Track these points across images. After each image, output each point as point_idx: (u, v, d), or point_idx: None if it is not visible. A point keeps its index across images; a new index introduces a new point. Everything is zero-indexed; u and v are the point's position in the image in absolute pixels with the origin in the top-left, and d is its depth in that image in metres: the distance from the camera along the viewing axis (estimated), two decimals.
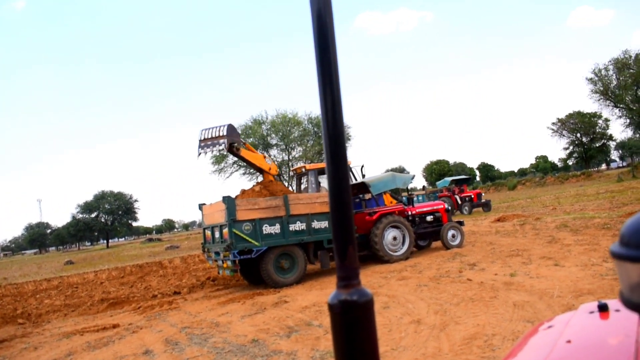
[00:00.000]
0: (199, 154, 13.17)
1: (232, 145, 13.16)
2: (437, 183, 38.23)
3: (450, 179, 36.48)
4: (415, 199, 34.02)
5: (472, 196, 33.48)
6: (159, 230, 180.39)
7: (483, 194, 35.17)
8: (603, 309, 1.33)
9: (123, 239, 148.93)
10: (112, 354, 7.76)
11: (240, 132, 47.27)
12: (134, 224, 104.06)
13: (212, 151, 13.08)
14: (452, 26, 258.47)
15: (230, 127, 13.03)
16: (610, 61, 60.20)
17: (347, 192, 0.98)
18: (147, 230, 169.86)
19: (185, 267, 19.20)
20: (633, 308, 0.70)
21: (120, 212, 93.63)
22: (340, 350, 0.96)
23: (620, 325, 1.15)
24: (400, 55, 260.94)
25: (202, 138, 13.19)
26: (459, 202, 33.27)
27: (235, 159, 48.28)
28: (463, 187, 34.82)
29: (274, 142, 48.85)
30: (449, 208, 15.69)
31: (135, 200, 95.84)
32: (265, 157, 14.61)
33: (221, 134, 12.89)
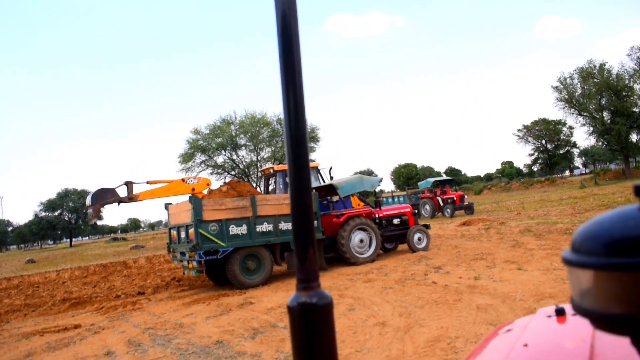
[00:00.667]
0: (89, 219, 13.42)
1: (117, 201, 13.39)
2: (420, 183, 36.97)
3: (432, 179, 35.33)
4: (396, 200, 34.05)
5: (455, 198, 32.21)
6: (124, 229, 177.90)
7: (466, 197, 33.86)
8: (560, 313, 1.35)
9: (87, 238, 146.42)
10: (73, 355, 7.61)
11: (208, 132, 47.11)
12: (99, 222, 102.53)
13: (93, 219, 13.32)
14: (421, 31, 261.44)
15: (96, 195, 13.10)
16: (575, 70, 61.64)
17: (308, 194, 0.98)
18: (111, 230, 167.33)
19: (150, 267, 18.96)
20: (583, 314, 0.71)
21: (84, 211, 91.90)
22: (299, 353, 0.95)
23: (576, 329, 1.17)
24: (370, 58, 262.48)
25: (86, 205, 13.55)
26: (441, 203, 32.28)
27: (204, 158, 48.06)
28: (445, 189, 33.57)
29: (242, 142, 48.66)
30: (416, 212, 15.77)
31: None
32: (184, 180, 14.41)
33: (88, 204, 13.16)
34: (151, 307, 11.12)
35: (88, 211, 13.20)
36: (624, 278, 0.64)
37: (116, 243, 60.65)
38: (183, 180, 14.26)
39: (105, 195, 13.10)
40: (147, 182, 14.42)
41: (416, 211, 15.90)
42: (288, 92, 0.98)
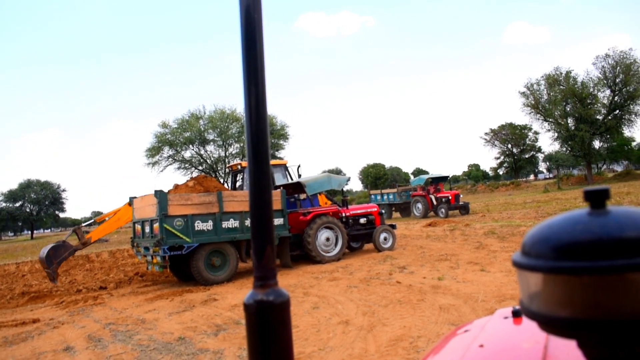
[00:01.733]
0: (50, 280, 13.07)
1: (73, 252, 13.30)
2: (412, 181, 33.93)
3: (426, 176, 32.15)
4: (385, 197, 33.63)
5: (450, 197, 29.25)
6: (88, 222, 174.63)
7: (461, 196, 31.10)
8: (517, 314, 1.37)
9: (49, 230, 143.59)
10: (31, 349, 7.45)
11: (176, 126, 46.70)
12: (61, 215, 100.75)
13: (55, 280, 13.01)
14: (392, 33, 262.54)
15: (49, 255, 12.82)
16: (542, 77, 62.71)
17: (268, 191, 0.97)
18: (75, 222, 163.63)
19: (114, 262, 18.70)
20: (532, 317, 0.71)
21: (46, 202, 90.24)
22: (255, 351, 0.95)
23: (531, 330, 1.19)
24: (341, 58, 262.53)
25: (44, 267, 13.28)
26: (434, 202, 29.55)
27: (171, 153, 47.65)
28: (439, 187, 30.65)
29: (210, 137, 48.40)
30: (382, 212, 15.85)
31: (63, 190, 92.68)
32: (128, 205, 14.05)
33: (44, 266, 12.96)
34: (113, 302, 10.96)
35: (46, 271, 12.93)
36: (571, 281, 0.65)
37: None
38: (129, 204, 14.01)
39: (59, 253, 12.92)
40: (95, 221, 14.39)
41: (383, 211, 15.93)
42: (250, 87, 0.97)
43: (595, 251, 0.64)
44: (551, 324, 0.68)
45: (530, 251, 0.71)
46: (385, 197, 33.63)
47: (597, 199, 0.69)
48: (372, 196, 35.10)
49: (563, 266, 0.65)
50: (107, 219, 14.31)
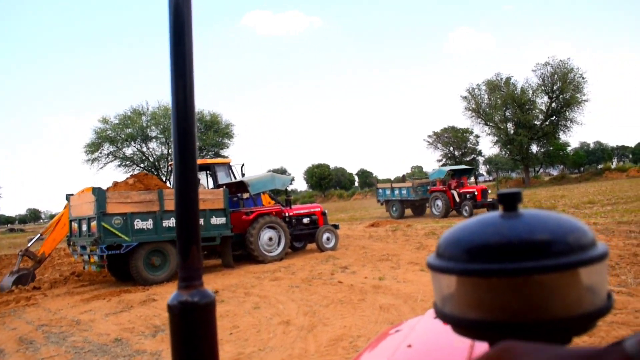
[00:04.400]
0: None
1: (34, 273, 12.96)
2: (430, 173, 28.59)
3: (447, 168, 27.71)
4: (396, 192, 28.57)
5: (476, 193, 24.55)
6: (23, 220, 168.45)
7: (489, 191, 25.39)
8: None
9: None
10: None
11: (117, 122, 45.64)
12: None
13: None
14: (340, 33, 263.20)
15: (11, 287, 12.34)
16: (483, 82, 64.44)
17: (194, 189, 0.96)
18: (8, 220, 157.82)
19: (49, 261, 18.02)
20: (445, 319, 0.72)
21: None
22: (178, 353, 0.93)
23: None
24: (288, 57, 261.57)
25: None
26: (457, 199, 25.00)
27: (111, 149, 46.52)
28: (463, 181, 25.97)
29: (153, 134, 47.48)
30: (325, 212, 15.88)
31: None
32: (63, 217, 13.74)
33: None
34: (47, 303, 10.60)
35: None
36: (480, 284, 0.66)
37: (13, 234, 57.49)
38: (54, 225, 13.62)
39: (23, 282, 12.43)
40: (41, 235, 13.90)
41: (325, 214, 15.92)
42: (177, 83, 0.95)
43: (504, 253, 0.64)
44: (463, 326, 0.69)
45: (443, 253, 0.71)
46: (396, 192, 28.49)
47: (509, 202, 0.70)
48: (380, 190, 29.98)
49: (473, 268, 0.66)
50: (52, 228, 13.77)
